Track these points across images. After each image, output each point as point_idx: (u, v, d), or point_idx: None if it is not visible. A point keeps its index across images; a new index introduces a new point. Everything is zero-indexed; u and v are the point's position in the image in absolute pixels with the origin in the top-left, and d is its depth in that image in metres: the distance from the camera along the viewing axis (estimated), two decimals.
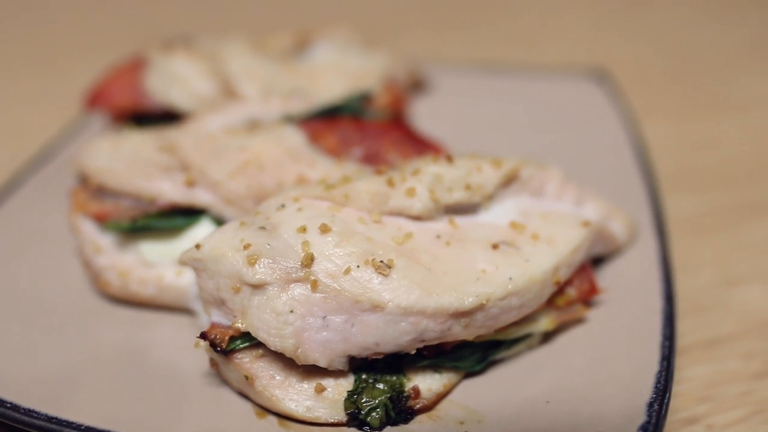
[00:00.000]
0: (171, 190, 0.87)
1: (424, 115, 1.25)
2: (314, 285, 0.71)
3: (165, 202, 0.87)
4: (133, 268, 0.88)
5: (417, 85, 1.30)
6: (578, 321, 0.84)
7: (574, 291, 0.82)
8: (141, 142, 0.92)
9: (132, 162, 0.89)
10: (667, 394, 0.71)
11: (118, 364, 0.82)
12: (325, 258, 0.72)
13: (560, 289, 0.81)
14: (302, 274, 0.71)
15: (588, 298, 0.84)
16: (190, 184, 0.87)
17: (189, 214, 0.88)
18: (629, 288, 0.87)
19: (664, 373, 0.73)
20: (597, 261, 0.92)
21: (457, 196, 0.81)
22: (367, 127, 0.99)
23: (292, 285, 0.71)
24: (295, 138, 0.94)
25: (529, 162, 0.88)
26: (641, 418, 0.69)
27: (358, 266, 0.72)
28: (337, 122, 0.99)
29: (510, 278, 0.75)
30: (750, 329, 0.94)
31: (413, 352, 0.73)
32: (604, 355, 0.79)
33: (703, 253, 1.07)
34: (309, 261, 0.71)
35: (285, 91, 1.08)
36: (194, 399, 0.77)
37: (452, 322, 0.72)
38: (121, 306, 0.90)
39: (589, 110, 1.20)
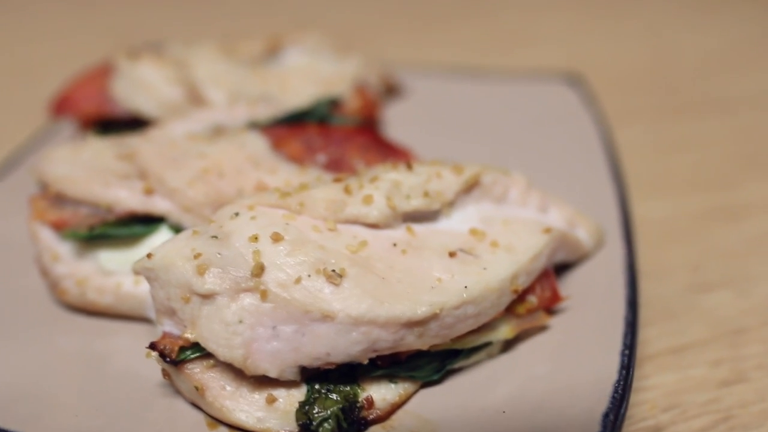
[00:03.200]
0: (129, 198, 0.86)
1: (397, 121, 1.24)
2: (264, 295, 0.70)
3: (123, 210, 0.86)
4: (91, 276, 0.87)
5: (391, 91, 1.29)
6: (540, 329, 0.83)
7: (535, 299, 0.81)
8: (100, 149, 0.92)
9: (91, 169, 0.88)
10: (624, 405, 0.70)
11: (75, 373, 0.81)
12: (276, 267, 0.71)
13: (521, 296, 0.80)
14: (252, 283, 0.70)
15: (550, 306, 0.83)
16: (149, 191, 0.86)
17: (148, 222, 0.87)
18: (593, 295, 0.86)
19: (621, 383, 0.72)
20: (563, 267, 0.91)
21: (416, 203, 0.80)
22: (333, 133, 0.98)
23: (242, 295, 0.70)
24: (257, 144, 0.93)
25: (492, 168, 0.87)
26: (596, 428, 0.67)
27: (309, 275, 0.71)
28: (302, 128, 0.98)
29: (465, 287, 0.74)
30: (718, 336, 0.93)
31: (366, 362, 0.72)
32: (564, 364, 0.78)
33: (674, 259, 1.05)
34: (259, 270, 0.70)
35: (253, 97, 1.07)
36: (149, 410, 0.76)
37: (405, 332, 0.71)
38: (79, 315, 0.89)
39: (563, 114, 1.19)
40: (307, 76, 1.15)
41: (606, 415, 0.69)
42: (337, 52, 1.22)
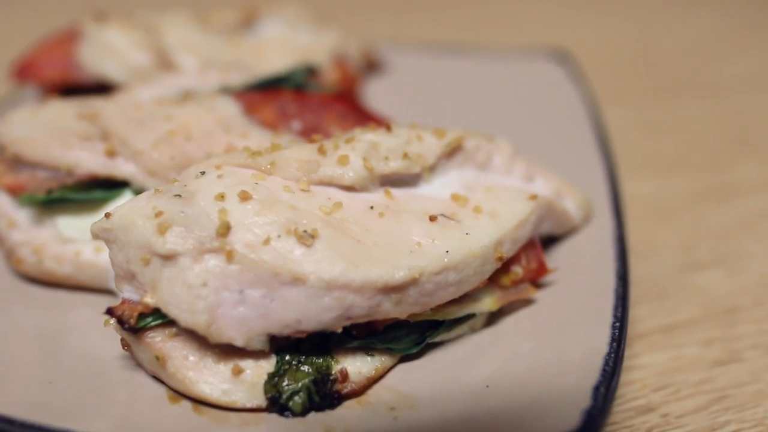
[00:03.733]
0: (90, 160, 0.81)
1: (378, 96, 1.19)
2: (230, 256, 0.64)
3: (83, 172, 0.81)
4: (49, 244, 0.81)
5: (372, 65, 1.24)
6: (526, 301, 0.78)
7: (520, 269, 0.76)
8: (61, 110, 0.86)
9: (50, 130, 0.83)
10: (615, 378, 0.66)
11: (31, 347, 0.76)
12: (244, 227, 0.66)
13: (506, 267, 0.76)
14: (217, 244, 0.65)
15: (537, 278, 0.78)
16: (111, 153, 0.81)
17: (110, 186, 0.82)
18: (582, 268, 0.81)
19: (613, 356, 0.68)
20: (550, 241, 0.86)
21: (394, 165, 0.75)
22: (309, 100, 0.93)
23: (206, 256, 0.65)
24: (228, 108, 0.88)
25: (476, 133, 0.82)
26: (586, 402, 0.63)
27: (279, 236, 0.65)
28: (277, 94, 0.93)
29: (447, 252, 0.69)
30: (710, 315, 0.89)
31: (340, 330, 0.67)
32: (551, 338, 0.73)
33: (666, 238, 1.01)
34: (225, 230, 0.65)
35: (226, 64, 1.02)
36: (107, 383, 0.71)
37: (382, 298, 0.66)
38: (36, 286, 0.83)
39: (549, 91, 1.15)
40: (284, 45, 1.10)
41: (597, 388, 0.64)
42: (316, 25, 1.17)
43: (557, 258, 0.84)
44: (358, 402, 0.68)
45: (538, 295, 0.79)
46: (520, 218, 0.75)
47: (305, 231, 0.66)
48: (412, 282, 0.66)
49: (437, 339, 0.74)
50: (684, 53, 1.51)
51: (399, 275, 0.66)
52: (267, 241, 0.65)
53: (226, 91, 0.93)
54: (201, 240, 0.65)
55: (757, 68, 1.44)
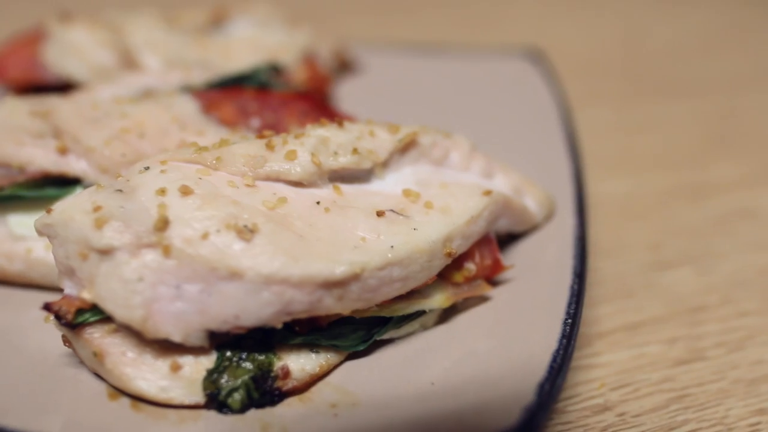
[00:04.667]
0: (42, 157, 0.80)
1: (349, 96, 1.18)
2: (167, 250, 0.63)
3: (35, 170, 0.80)
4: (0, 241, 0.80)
5: (345, 66, 1.23)
6: (481, 299, 0.77)
7: (474, 266, 0.75)
8: (15, 108, 0.85)
9: (2, 128, 0.82)
10: (561, 375, 0.64)
11: None
12: (182, 222, 0.65)
13: (458, 263, 0.74)
14: (154, 238, 0.64)
15: (491, 275, 0.77)
16: (63, 150, 0.80)
17: (62, 183, 0.81)
18: (540, 266, 0.80)
19: (561, 353, 0.66)
20: (512, 238, 0.85)
21: (344, 160, 0.74)
22: (270, 98, 0.92)
23: (144, 251, 0.64)
24: (186, 106, 0.87)
25: (433, 129, 0.81)
26: (529, 398, 0.61)
27: (218, 231, 0.64)
28: (238, 92, 0.92)
29: (392, 247, 0.68)
30: (676, 314, 0.87)
31: (280, 326, 0.65)
32: (503, 335, 0.72)
33: (635, 237, 1.00)
34: (163, 224, 0.64)
35: (190, 63, 1.01)
36: (53, 383, 0.69)
37: (323, 293, 0.65)
38: None
39: (522, 90, 1.13)
40: (252, 45, 1.09)
41: (541, 385, 0.63)
42: (287, 25, 1.17)
43: (515, 255, 0.82)
44: (300, 399, 0.67)
45: (494, 292, 0.77)
46: (471, 214, 0.74)
47: (245, 226, 0.65)
48: (354, 277, 0.65)
49: (386, 336, 0.72)
50: (666, 54, 1.50)
51: (339, 270, 0.64)
52: (205, 236, 0.64)
53: (187, 89, 0.92)
54: (138, 234, 0.64)
55: (738, 68, 1.43)
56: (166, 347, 0.67)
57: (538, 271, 0.79)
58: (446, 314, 0.76)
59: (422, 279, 0.70)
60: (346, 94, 1.19)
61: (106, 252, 0.64)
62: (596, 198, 1.06)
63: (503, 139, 1.01)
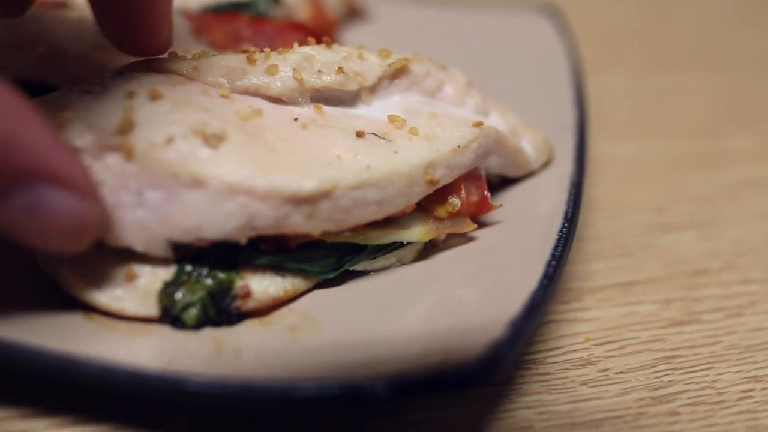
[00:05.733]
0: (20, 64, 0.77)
1: (356, 44, 1.14)
2: (129, 153, 0.60)
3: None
4: None
5: (353, 13, 1.19)
6: (466, 238, 0.73)
7: (458, 201, 0.71)
8: None
9: None
10: (535, 314, 0.60)
11: None
12: (148, 125, 0.61)
13: (443, 196, 0.70)
14: (118, 141, 0.60)
15: (478, 213, 0.73)
16: (44, 58, 0.77)
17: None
18: (531, 210, 0.76)
19: (540, 292, 0.62)
20: (506, 182, 0.81)
21: (327, 79, 0.70)
22: (265, 26, 0.88)
23: (107, 153, 0.61)
24: (177, 27, 0.83)
25: (426, 58, 0.77)
26: (497, 334, 0.57)
27: (183, 136, 0.61)
28: (232, 18, 0.88)
29: (368, 166, 0.64)
30: (674, 276, 0.82)
31: (244, 242, 0.62)
32: (481, 274, 0.68)
33: (639, 199, 0.95)
34: (127, 126, 0.61)
35: None
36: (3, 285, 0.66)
37: (290, 209, 0.61)
38: None
39: (535, 43, 1.09)
40: None
41: (512, 322, 0.58)
42: None
43: (506, 198, 0.78)
44: (260, 321, 0.63)
45: (479, 233, 0.73)
46: (459, 143, 0.69)
47: (213, 133, 0.61)
48: (324, 194, 0.61)
49: (359, 267, 0.69)
50: (689, 28, 1.44)
51: (309, 185, 0.61)
52: (170, 141, 0.60)
53: (180, 11, 0.89)
54: (102, 136, 0.61)
55: (762, 46, 1.36)
56: (122, 256, 0.63)
57: (527, 215, 0.75)
58: (426, 252, 0.72)
59: (399, 205, 0.66)
60: (352, 42, 1.15)
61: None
62: (602, 160, 1.02)
63: (508, 89, 0.96)
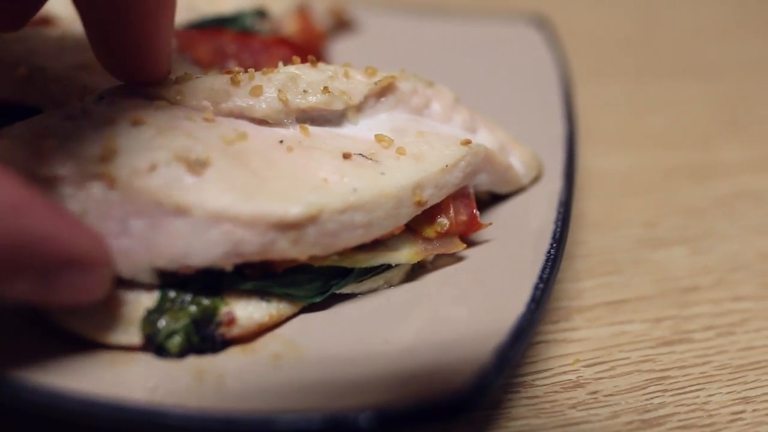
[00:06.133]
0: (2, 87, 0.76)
1: (345, 57, 1.13)
2: (112, 182, 0.59)
3: None
4: None
5: (342, 25, 1.18)
6: (455, 258, 0.72)
7: (447, 221, 0.70)
8: None
9: None
10: (522, 339, 0.59)
11: None
12: (131, 152, 0.60)
13: (431, 216, 0.69)
14: (100, 169, 0.60)
15: (467, 233, 0.72)
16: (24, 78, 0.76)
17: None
18: (520, 229, 0.75)
19: (527, 317, 0.61)
20: (497, 199, 0.80)
21: (313, 100, 0.69)
22: (251, 41, 0.88)
23: (89, 182, 0.60)
24: None
25: (414, 76, 0.76)
26: (484, 361, 0.57)
27: (167, 164, 0.60)
28: (217, 34, 0.87)
29: (354, 189, 0.63)
30: (665, 293, 0.82)
31: (230, 269, 0.61)
32: (468, 297, 0.67)
33: (631, 213, 0.94)
34: (109, 153, 0.60)
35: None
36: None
37: (276, 235, 0.60)
38: None
39: (524, 55, 1.08)
40: None
41: (499, 349, 0.58)
42: None
43: (495, 216, 0.78)
44: (242, 348, 0.62)
45: (468, 252, 0.73)
46: (447, 162, 0.68)
47: (197, 159, 0.60)
48: (311, 219, 0.61)
49: (346, 290, 0.68)
50: (682, 37, 1.43)
51: (294, 210, 0.60)
52: (153, 168, 0.60)
53: None
54: (84, 164, 0.60)
55: (755, 55, 1.36)
56: None
57: (516, 235, 0.74)
58: (414, 273, 0.71)
59: (387, 227, 0.65)
60: (341, 54, 1.15)
61: (50, 181, 0.60)
62: (593, 173, 1.01)
63: (497, 102, 0.96)
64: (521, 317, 0.61)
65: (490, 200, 0.80)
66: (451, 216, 0.70)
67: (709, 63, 1.33)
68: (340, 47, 1.15)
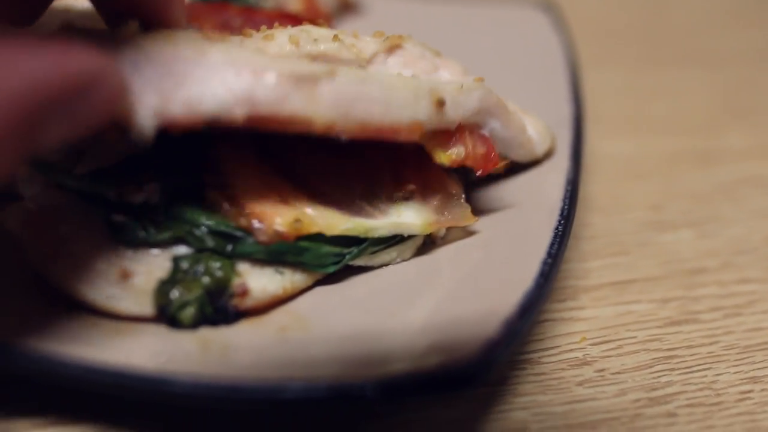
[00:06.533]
0: None
1: None
2: None
3: None
4: None
5: (347, 7, 1.17)
6: (463, 233, 0.71)
7: (463, 149, 0.68)
8: None
9: None
10: (530, 313, 0.59)
11: None
12: None
13: (446, 141, 0.67)
14: None
15: (485, 168, 0.69)
16: None
17: None
18: (530, 206, 0.75)
19: (535, 291, 0.61)
20: (506, 175, 0.79)
21: (324, 47, 0.67)
22: (256, 15, 0.87)
23: None
24: None
25: (421, 43, 0.76)
26: (491, 334, 0.56)
27: None
28: (223, 7, 0.87)
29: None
30: (671, 274, 0.81)
31: (241, 120, 0.57)
32: (476, 272, 0.67)
33: (636, 197, 0.93)
34: None
35: None
36: None
37: (290, 89, 0.57)
38: None
39: (530, 37, 1.07)
40: None
41: (506, 322, 0.57)
42: None
43: (504, 193, 0.77)
44: (250, 322, 0.61)
45: (477, 226, 0.72)
46: (462, 84, 0.67)
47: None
48: (327, 73, 0.58)
49: (360, 263, 0.67)
50: (689, 24, 1.42)
51: (311, 66, 0.59)
52: None
53: None
54: None
55: (762, 43, 1.35)
56: (117, 254, 0.61)
57: (524, 211, 0.74)
58: (424, 247, 0.71)
59: (406, 116, 0.62)
60: None
61: None
62: (599, 157, 1.00)
63: (504, 84, 0.92)
64: (529, 292, 0.60)
65: (501, 176, 0.79)
66: (468, 146, 0.68)
67: (713, 51, 1.32)
68: (345, 29, 1.14)
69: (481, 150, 0.68)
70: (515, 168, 0.79)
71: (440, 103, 0.64)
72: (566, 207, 0.71)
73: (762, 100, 1.18)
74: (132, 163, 0.65)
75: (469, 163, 0.68)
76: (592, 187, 0.94)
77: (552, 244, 0.66)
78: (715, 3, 1.49)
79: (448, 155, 0.67)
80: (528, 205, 0.75)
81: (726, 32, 1.38)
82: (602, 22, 1.41)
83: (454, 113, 0.66)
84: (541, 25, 1.09)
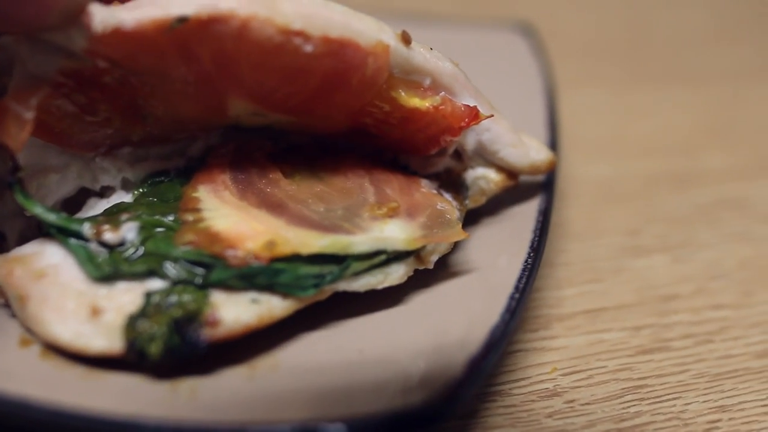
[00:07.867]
0: None
1: None
2: None
3: None
4: None
5: None
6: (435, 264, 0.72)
7: (439, 98, 0.70)
8: None
9: None
10: (495, 351, 0.59)
11: None
12: None
13: (418, 87, 0.69)
14: None
15: (468, 121, 0.71)
16: None
17: None
18: (500, 238, 0.76)
19: (501, 328, 0.61)
20: (480, 208, 0.79)
21: None
22: None
23: None
24: None
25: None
26: (456, 373, 0.57)
27: None
28: None
29: None
30: (644, 301, 0.82)
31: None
32: (445, 305, 0.68)
33: (613, 222, 0.94)
34: None
35: None
36: None
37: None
38: None
39: (509, 61, 1.08)
40: None
41: (471, 361, 0.58)
42: None
43: (477, 225, 0.78)
44: (221, 358, 0.62)
45: (447, 260, 0.72)
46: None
47: None
48: None
49: (342, 286, 0.65)
50: (669, 43, 1.43)
51: None
52: None
53: None
54: None
55: (741, 61, 1.36)
56: (90, 292, 0.62)
57: (495, 243, 0.75)
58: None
59: (369, 34, 0.64)
60: None
61: None
62: (577, 181, 1.01)
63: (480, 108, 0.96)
64: (495, 328, 0.61)
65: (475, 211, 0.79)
66: (445, 97, 0.70)
67: (692, 70, 1.33)
68: None
69: (457, 109, 0.69)
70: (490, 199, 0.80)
71: (406, 39, 0.65)
72: (536, 239, 0.72)
73: (741, 119, 1.19)
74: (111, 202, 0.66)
75: (447, 110, 0.68)
76: (568, 212, 0.95)
77: (520, 278, 0.67)
78: (694, 23, 1.50)
79: (422, 100, 0.68)
80: (500, 236, 0.76)
81: (704, 52, 1.39)
82: (583, 41, 1.42)
83: (422, 58, 0.67)
84: (520, 50, 1.10)
